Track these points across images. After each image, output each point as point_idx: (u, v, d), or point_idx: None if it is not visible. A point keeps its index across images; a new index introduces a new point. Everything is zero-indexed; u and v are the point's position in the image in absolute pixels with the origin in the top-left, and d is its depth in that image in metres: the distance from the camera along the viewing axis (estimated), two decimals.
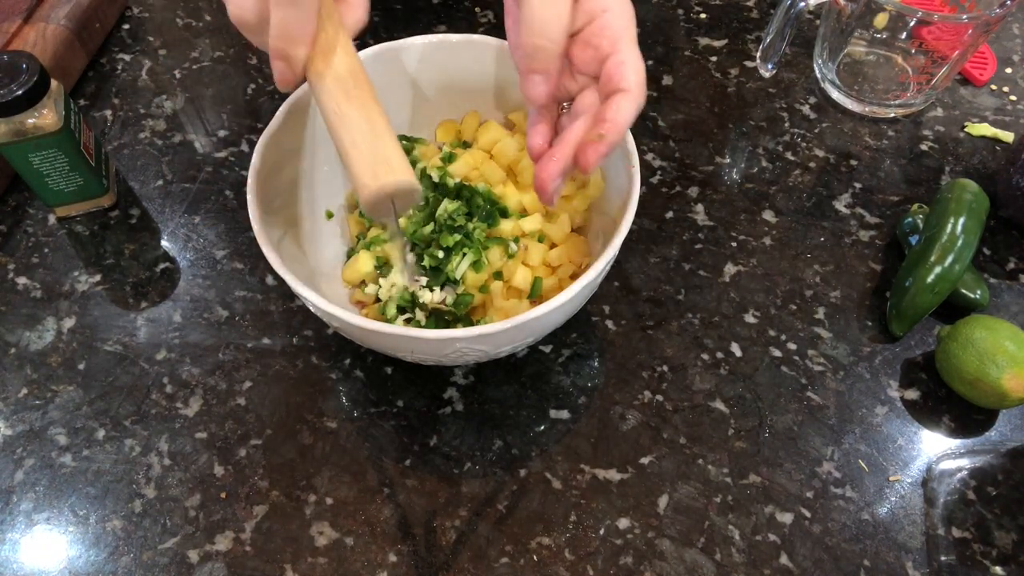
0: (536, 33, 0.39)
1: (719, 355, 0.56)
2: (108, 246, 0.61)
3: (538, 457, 0.52)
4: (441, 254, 0.52)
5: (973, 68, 0.72)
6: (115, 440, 0.52)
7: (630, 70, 0.41)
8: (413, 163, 0.56)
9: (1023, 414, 0.54)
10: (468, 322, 0.53)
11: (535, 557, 0.48)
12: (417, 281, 0.53)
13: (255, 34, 0.39)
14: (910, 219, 0.60)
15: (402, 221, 0.54)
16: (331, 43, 0.39)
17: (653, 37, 0.75)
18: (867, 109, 0.69)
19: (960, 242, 0.55)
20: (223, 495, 0.50)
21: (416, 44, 0.54)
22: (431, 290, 0.52)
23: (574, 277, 0.53)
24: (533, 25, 0.39)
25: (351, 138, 0.39)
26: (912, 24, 0.62)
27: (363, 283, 0.55)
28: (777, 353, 0.56)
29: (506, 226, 0.53)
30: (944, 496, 0.51)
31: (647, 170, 0.65)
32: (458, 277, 0.52)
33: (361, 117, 0.39)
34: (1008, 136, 0.68)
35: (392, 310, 0.52)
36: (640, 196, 0.53)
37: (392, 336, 0.44)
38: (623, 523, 0.49)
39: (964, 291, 0.56)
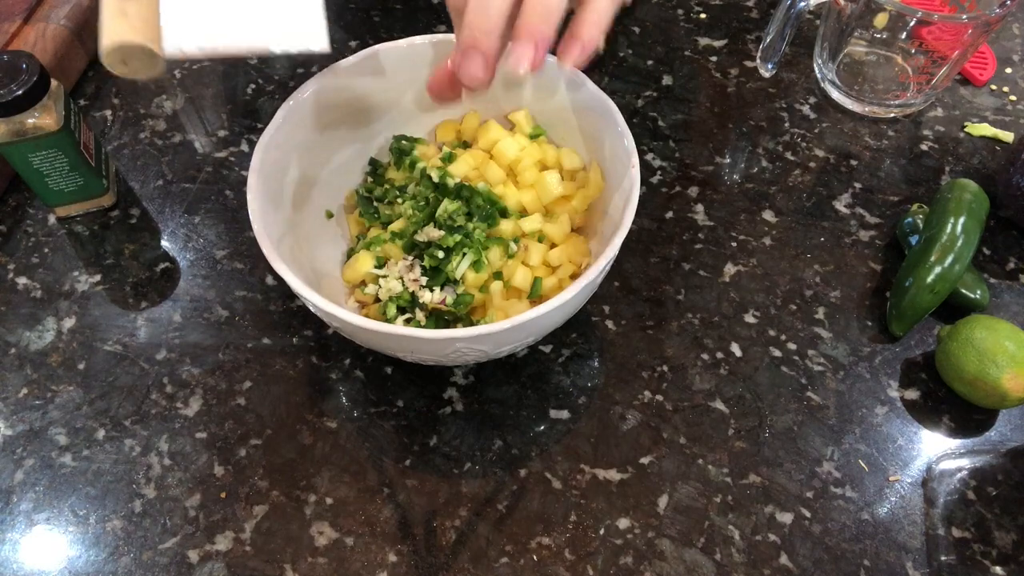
0: None
1: (719, 355, 0.56)
2: (108, 246, 0.61)
3: (538, 457, 0.52)
4: (441, 254, 0.52)
5: (973, 68, 0.72)
6: (115, 440, 0.52)
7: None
8: (413, 163, 0.57)
9: (1023, 414, 0.54)
10: (468, 322, 0.53)
11: (535, 557, 0.48)
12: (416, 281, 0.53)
13: None
14: (910, 219, 0.60)
15: (399, 224, 0.55)
16: None
17: (653, 37, 0.75)
18: (867, 109, 0.69)
19: (960, 242, 0.55)
20: (223, 495, 0.50)
21: (416, 44, 0.54)
22: (431, 290, 0.52)
23: (574, 277, 0.53)
24: None
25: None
26: (912, 24, 0.62)
27: (363, 283, 0.55)
28: (777, 353, 0.56)
29: (506, 226, 0.53)
30: (944, 496, 0.51)
31: (647, 170, 0.65)
32: (458, 277, 0.52)
33: None
34: (1008, 136, 0.68)
35: (392, 310, 0.52)
36: (640, 196, 0.53)
37: (392, 336, 0.44)
38: (623, 523, 0.49)
39: (964, 291, 0.56)
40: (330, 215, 0.57)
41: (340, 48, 0.73)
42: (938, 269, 0.54)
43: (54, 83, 0.56)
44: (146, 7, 0.41)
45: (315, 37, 0.44)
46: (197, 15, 0.42)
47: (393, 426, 0.53)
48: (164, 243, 0.62)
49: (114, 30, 0.39)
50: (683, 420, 0.53)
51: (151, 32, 0.40)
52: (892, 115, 0.69)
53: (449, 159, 0.56)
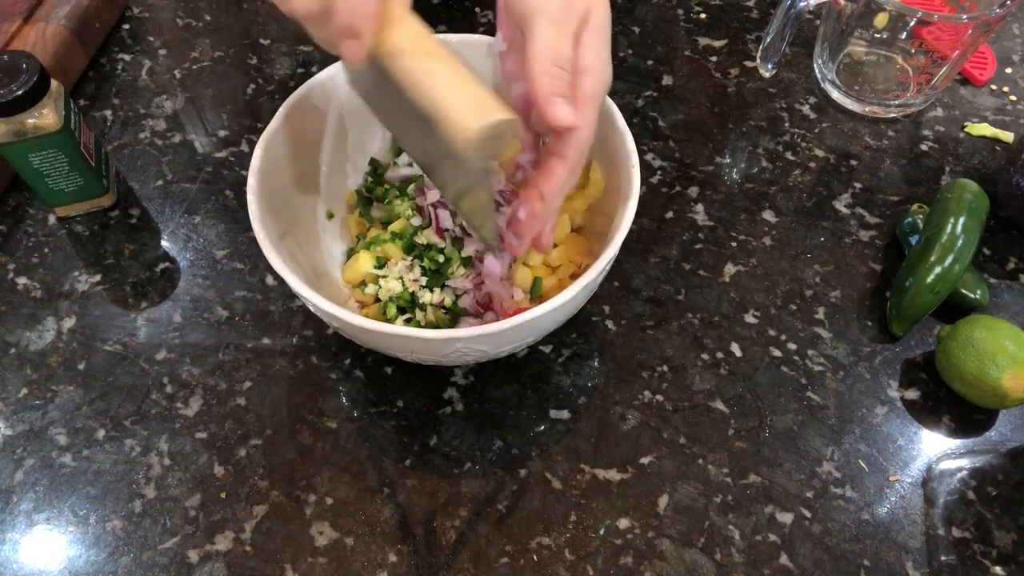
0: (552, 59, 0.41)
1: (719, 355, 0.56)
2: (108, 246, 0.61)
3: (538, 457, 0.52)
4: (441, 258, 0.52)
5: (973, 68, 0.72)
6: (115, 440, 0.52)
7: (574, 139, 0.42)
8: (413, 163, 0.57)
9: (1023, 414, 0.54)
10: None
11: (535, 557, 0.48)
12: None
13: (318, 25, 0.39)
14: (910, 219, 0.60)
15: (399, 224, 0.55)
16: (395, 13, 0.39)
17: (653, 37, 0.75)
18: (867, 109, 0.69)
19: (960, 242, 0.55)
20: (223, 495, 0.50)
21: None
22: (431, 290, 0.52)
23: (574, 277, 0.53)
24: (546, 53, 0.41)
25: (444, 88, 0.38)
26: (912, 24, 0.62)
27: (363, 283, 0.55)
28: (777, 353, 0.56)
29: None
30: (944, 496, 0.51)
31: (647, 170, 0.65)
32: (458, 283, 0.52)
33: (448, 68, 0.39)
34: (1008, 136, 0.68)
35: (392, 310, 0.52)
36: (640, 196, 0.53)
37: (392, 336, 0.44)
38: (623, 523, 0.49)
39: (964, 291, 0.56)
40: (330, 215, 0.57)
41: None
42: (938, 269, 0.54)
43: (54, 83, 0.56)
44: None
45: None
46: None
47: (393, 426, 0.53)
48: (164, 243, 0.62)
49: (484, 106, 0.37)
50: (683, 420, 0.53)
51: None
52: (892, 115, 0.69)
53: None
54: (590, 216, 0.56)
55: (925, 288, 0.54)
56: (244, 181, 0.56)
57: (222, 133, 0.68)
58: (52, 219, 0.63)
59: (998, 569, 0.48)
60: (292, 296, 0.58)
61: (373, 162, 0.59)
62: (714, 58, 0.73)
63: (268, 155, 0.49)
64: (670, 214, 0.63)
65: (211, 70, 0.72)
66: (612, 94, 0.55)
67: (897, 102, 0.68)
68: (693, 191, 0.64)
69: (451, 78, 0.39)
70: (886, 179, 0.65)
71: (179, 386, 0.55)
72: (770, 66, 0.66)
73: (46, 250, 0.61)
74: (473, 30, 0.75)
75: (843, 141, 0.68)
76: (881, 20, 0.63)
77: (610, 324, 0.57)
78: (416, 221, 0.55)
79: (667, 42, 0.74)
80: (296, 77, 0.71)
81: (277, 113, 0.50)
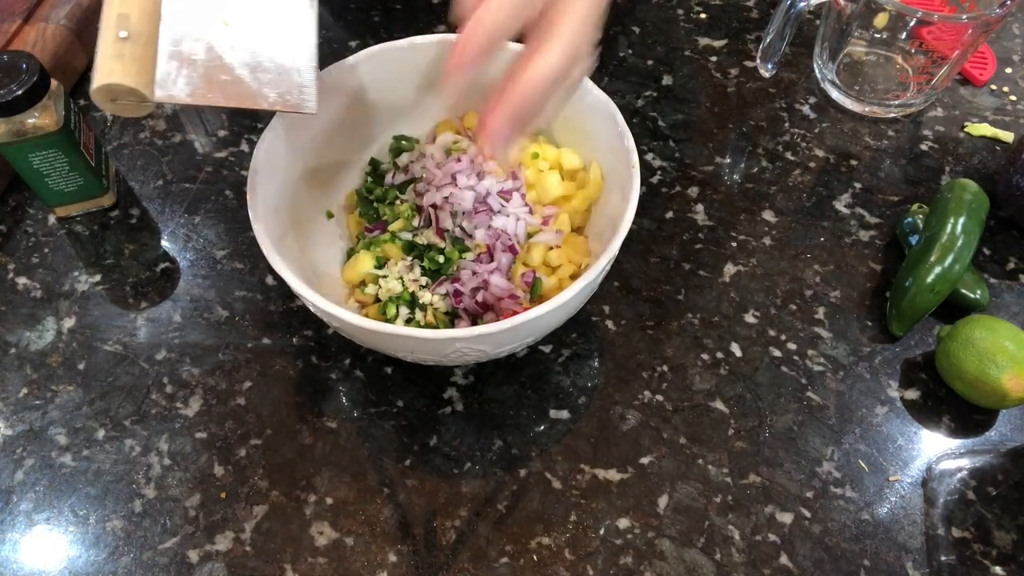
0: None
1: (719, 355, 0.56)
2: (108, 246, 0.61)
3: (538, 457, 0.52)
4: (441, 259, 0.52)
5: (973, 68, 0.72)
6: (115, 440, 0.52)
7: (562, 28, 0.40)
8: (409, 164, 0.57)
9: (1023, 414, 0.54)
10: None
11: (535, 557, 0.48)
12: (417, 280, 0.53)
13: None
14: (910, 219, 0.60)
15: (399, 224, 0.55)
16: None
17: (653, 37, 0.75)
18: (867, 109, 0.69)
19: (960, 242, 0.55)
20: (223, 495, 0.50)
21: (416, 44, 0.54)
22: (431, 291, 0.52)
23: (574, 277, 0.53)
24: None
25: (101, 35, 0.41)
26: (912, 24, 0.62)
27: (363, 283, 0.55)
28: (777, 353, 0.56)
29: None
30: (944, 496, 0.51)
31: (647, 170, 0.65)
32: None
33: (109, 14, 0.42)
34: (1008, 136, 0.68)
35: (392, 310, 0.52)
36: (640, 196, 0.53)
37: (392, 336, 0.44)
38: (623, 523, 0.49)
39: (964, 291, 0.56)
40: (330, 215, 0.57)
41: (340, 48, 0.73)
42: (938, 269, 0.54)
43: (54, 83, 0.56)
44: (142, 49, 0.41)
45: (306, 98, 0.45)
46: (192, 62, 0.43)
47: (393, 426, 0.53)
48: (164, 243, 0.62)
49: (108, 70, 0.40)
50: (683, 420, 0.53)
51: (144, 76, 0.41)
52: (892, 115, 0.69)
53: None
54: (590, 216, 0.56)
55: (925, 288, 0.54)
56: (244, 181, 0.56)
57: (222, 133, 0.68)
58: (52, 219, 0.63)
59: (998, 569, 0.48)
60: (292, 296, 0.58)
61: (373, 162, 0.59)
62: (714, 58, 0.73)
63: (268, 155, 0.49)
64: (670, 214, 0.63)
65: None
66: (612, 94, 0.55)
67: (897, 102, 0.68)
68: (693, 191, 0.64)
69: (107, 27, 0.41)
70: (886, 179, 0.65)
71: (179, 386, 0.55)
72: (770, 66, 0.66)
73: (46, 250, 0.61)
74: None
75: (843, 141, 0.68)
76: (881, 20, 0.63)
77: (610, 324, 0.57)
78: (416, 221, 0.55)
79: (667, 42, 0.74)
80: None
81: (277, 113, 0.50)
